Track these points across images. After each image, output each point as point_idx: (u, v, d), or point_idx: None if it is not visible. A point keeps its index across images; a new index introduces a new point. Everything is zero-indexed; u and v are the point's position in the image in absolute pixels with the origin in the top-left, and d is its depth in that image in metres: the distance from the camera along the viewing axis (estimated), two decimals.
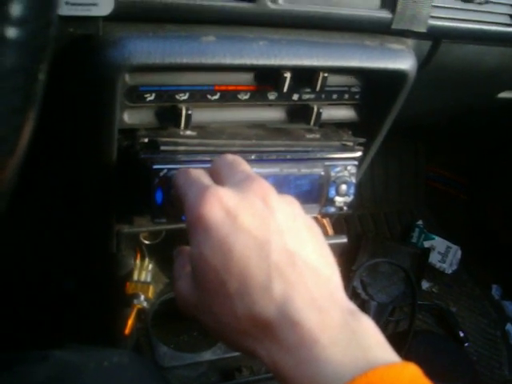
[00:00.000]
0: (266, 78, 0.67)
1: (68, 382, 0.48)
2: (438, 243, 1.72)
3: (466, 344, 1.49)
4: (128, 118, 0.65)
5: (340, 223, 1.58)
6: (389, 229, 1.80)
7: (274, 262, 0.42)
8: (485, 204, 1.77)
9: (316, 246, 0.45)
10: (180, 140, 0.66)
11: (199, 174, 0.49)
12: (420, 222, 1.79)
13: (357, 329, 0.40)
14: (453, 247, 1.71)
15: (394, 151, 1.78)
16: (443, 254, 1.70)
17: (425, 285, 1.64)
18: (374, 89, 0.75)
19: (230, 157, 0.51)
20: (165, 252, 0.82)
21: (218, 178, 0.49)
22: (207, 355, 0.87)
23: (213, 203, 0.44)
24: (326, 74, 0.67)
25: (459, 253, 1.71)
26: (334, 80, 0.71)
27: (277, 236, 0.43)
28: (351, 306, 0.42)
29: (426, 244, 1.72)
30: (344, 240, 0.84)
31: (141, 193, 0.66)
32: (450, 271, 1.70)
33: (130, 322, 0.84)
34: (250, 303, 0.41)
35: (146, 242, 0.83)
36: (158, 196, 0.64)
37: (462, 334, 1.49)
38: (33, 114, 0.36)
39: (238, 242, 0.42)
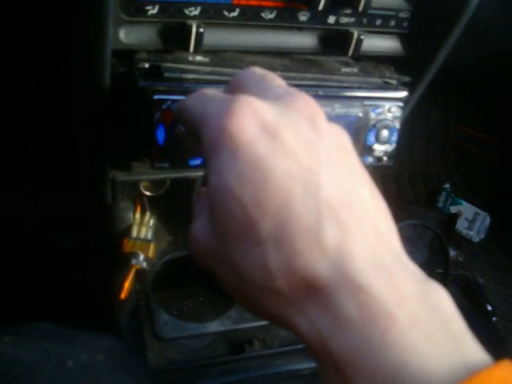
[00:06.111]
0: None
1: None
2: (466, 209, 1.62)
3: (494, 318, 1.39)
4: (125, 36, 0.54)
5: None
6: (413, 191, 1.70)
7: (325, 199, 0.30)
8: None
9: (372, 191, 0.34)
10: (188, 66, 0.55)
11: (219, 92, 0.37)
12: (447, 186, 1.69)
13: (438, 306, 0.29)
14: (481, 214, 1.61)
15: (421, 106, 1.66)
16: (470, 220, 1.61)
17: (450, 253, 1.53)
18: (427, 15, 0.63)
19: (257, 69, 0.39)
20: (169, 206, 0.76)
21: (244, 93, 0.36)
22: (214, 326, 0.77)
23: (244, 114, 0.32)
24: None
25: (488, 220, 1.61)
26: (380, 1, 0.60)
27: (328, 167, 0.31)
28: (419, 271, 0.32)
29: (453, 209, 1.63)
30: None
31: (140, 130, 0.56)
32: (477, 239, 1.60)
33: (126, 285, 0.76)
34: (290, 254, 0.30)
35: (148, 194, 0.73)
36: (160, 134, 0.53)
37: (489, 308, 1.40)
38: None
39: (278, 169, 0.30)
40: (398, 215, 1.38)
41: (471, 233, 1.60)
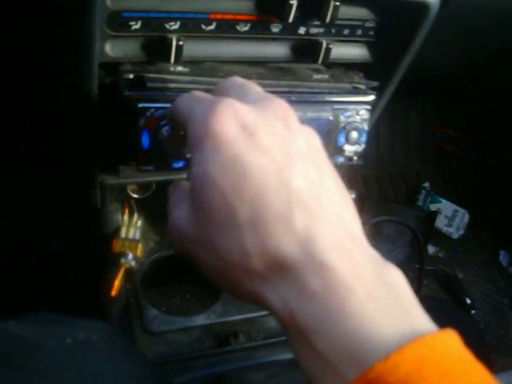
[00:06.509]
0: (269, 6, 0.59)
1: (20, 361, 0.41)
2: (445, 206, 1.66)
3: (473, 311, 1.43)
4: (110, 49, 0.57)
5: (343, 182, 1.51)
6: (394, 190, 1.73)
7: (295, 190, 0.34)
8: (495, 167, 1.70)
9: (338, 186, 0.38)
10: (170, 76, 0.59)
11: (207, 94, 0.42)
12: (427, 184, 1.73)
13: (391, 283, 0.34)
14: (460, 211, 1.65)
15: (400, 109, 1.70)
16: (450, 217, 1.65)
17: (430, 249, 1.57)
18: (391, 24, 0.67)
19: (238, 78, 0.43)
20: (155, 207, 0.78)
21: None
22: (200, 319, 0.80)
23: (226, 115, 0.36)
24: (337, 3, 0.59)
25: (467, 217, 1.65)
26: (347, 12, 0.64)
27: (299, 163, 0.36)
28: (378, 256, 0.36)
29: (433, 207, 1.66)
30: (352, 196, 0.76)
31: (125, 136, 0.59)
32: (456, 236, 1.64)
33: (116, 283, 0.78)
34: (264, 236, 0.34)
35: (135, 196, 0.76)
36: (145, 139, 0.56)
37: (468, 301, 1.44)
38: None
39: (254, 163, 0.35)
40: (380, 213, 1.41)
41: (451, 229, 1.64)
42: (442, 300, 1.43)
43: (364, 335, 0.31)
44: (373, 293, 0.32)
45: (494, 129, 1.70)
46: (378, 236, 1.48)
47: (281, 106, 0.39)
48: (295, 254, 0.33)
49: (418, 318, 0.33)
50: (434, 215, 1.61)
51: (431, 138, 1.79)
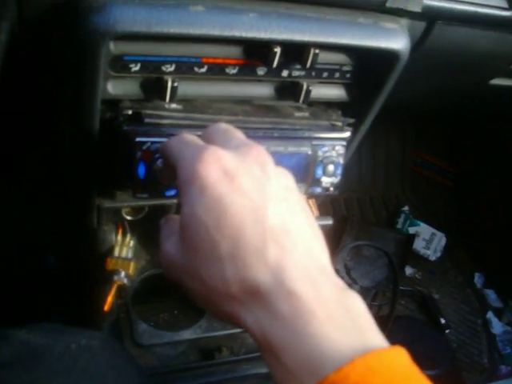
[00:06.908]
0: (256, 53, 0.65)
1: (32, 363, 0.47)
2: (423, 230, 1.72)
3: (447, 331, 1.49)
4: (112, 88, 0.63)
5: (325, 205, 1.57)
6: (374, 213, 1.79)
7: (269, 226, 0.41)
8: (471, 192, 1.77)
9: (308, 221, 0.44)
10: (165, 113, 0.64)
11: (194, 137, 0.48)
12: (406, 208, 1.79)
13: (350, 307, 0.39)
14: (437, 234, 1.71)
15: (381, 136, 1.77)
16: (428, 240, 1.71)
17: (408, 271, 1.64)
18: (366, 68, 0.73)
19: (223, 124, 0.49)
20: (147, 228, 0.83)
21: (212, 143, 0.47)
22: (187, 334, 0.86)
23: (211, 161, 0.42)
24: (317, 51, 0.65)
25: (444, 240, 1.72)
26: (325, 57, 0.69)
27: (273, 202, 0.42)
28: (341, 283, 0.42)
29: (411, 230, 1.73)
30: (329, 222, 0.83)
31: (123, 166, 0.64)
32: (433, 258, 1.71)
33: (109, 299, 0.82)
34: (242, 267, 0.40)
35: (128, 218, 0.81)
36: (141, 170, 0.62)
37: (443, 321, 1.50)
38: None
39: (234, 203, 0.41)
40: (361, 236, 1.48)
41: (428, 252, 1.69)
42: (417, 319, 1.49)
43: (322, 351, 0.36)
44: (332, 315, 0.38)
45: (471, 156, 1.77)
46: (358, 257, 1.54)
47: (258, 151, 0.45)
48: (268, 283, 0.39)
49: (372, 337, 0.38)
50: (412, 238, 1.67)
51: (410, 163, 1.86)
